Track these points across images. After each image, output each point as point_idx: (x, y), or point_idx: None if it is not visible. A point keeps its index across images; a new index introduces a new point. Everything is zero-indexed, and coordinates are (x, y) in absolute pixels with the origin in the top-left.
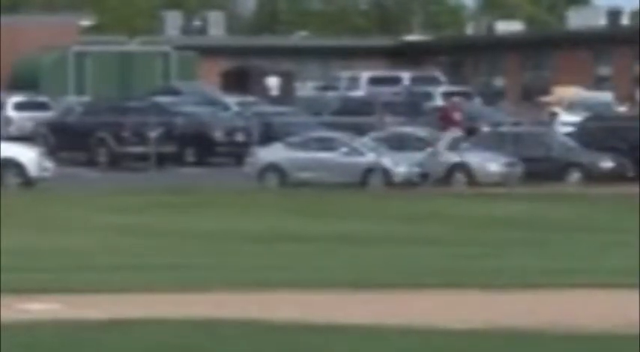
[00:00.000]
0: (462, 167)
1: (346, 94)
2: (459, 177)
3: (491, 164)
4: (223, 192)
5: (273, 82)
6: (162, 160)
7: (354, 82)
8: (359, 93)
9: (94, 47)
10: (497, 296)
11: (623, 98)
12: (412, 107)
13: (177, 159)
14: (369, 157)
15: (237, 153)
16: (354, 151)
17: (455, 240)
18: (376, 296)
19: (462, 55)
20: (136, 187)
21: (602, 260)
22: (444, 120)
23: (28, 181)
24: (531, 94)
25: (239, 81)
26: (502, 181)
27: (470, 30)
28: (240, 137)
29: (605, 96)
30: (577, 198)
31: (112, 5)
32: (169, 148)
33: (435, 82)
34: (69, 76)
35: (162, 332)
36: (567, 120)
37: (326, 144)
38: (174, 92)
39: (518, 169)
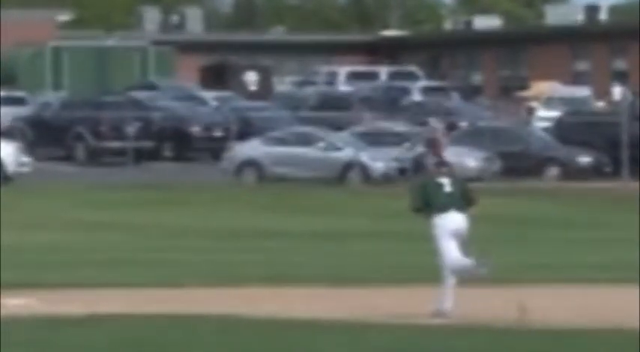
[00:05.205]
0: None
1: (324, 90)
2: None
3: (468, 159)
4: (201, 187)
5: (251, 78)
6: (139, 155)
7: (332, 77)
8: (337, 88)
9: (72, 42)
10: (475, 291)
11: (600, 94)
12: (390, 102)
13: (155, 155)
14: (347, 153)
15: (215, 149)
16: (332, 147)
17: None
18: (354, 291)
19: (440, 50)
20: (113, 182)
21: (579, 255)
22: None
23: (5, 177)
24: (509, 90)
25: (217, 76)
26: (480, 176)
27: (448, 25)
28: (217, 132)
29: (583, 91)
30: (555, 194)
31: (90, 1)
32: (147, 143)
33: (412, 77)
34: (46, 71)
35: (140, 327)
36: (545, 115)
37: (304, 140)
38: (152, 87)
39: (496, 164)
